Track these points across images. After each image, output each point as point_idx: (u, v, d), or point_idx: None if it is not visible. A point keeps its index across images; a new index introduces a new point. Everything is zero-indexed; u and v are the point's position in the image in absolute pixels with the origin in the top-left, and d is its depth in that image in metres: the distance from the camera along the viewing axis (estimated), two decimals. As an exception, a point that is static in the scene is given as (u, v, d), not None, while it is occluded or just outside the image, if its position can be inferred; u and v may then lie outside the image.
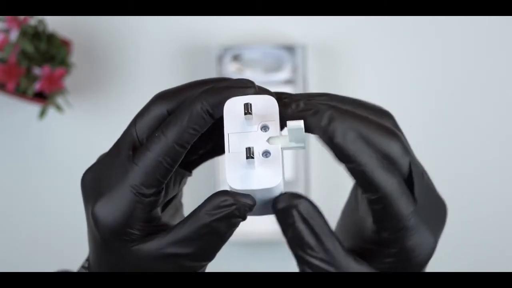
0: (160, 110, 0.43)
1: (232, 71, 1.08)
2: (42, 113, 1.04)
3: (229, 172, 0.41)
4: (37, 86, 1.00)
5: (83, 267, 0.47)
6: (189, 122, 0.41)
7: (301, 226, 0.41)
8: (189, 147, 0.41)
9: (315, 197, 1.07)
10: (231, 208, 0.41)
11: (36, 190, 1.10)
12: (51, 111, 1.07)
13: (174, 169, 0.42)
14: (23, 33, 0.99)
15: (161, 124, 0.42)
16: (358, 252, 0.43)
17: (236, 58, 1.09)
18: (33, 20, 1.02)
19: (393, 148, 0.42)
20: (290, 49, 1.09)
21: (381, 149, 0.42)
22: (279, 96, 0.43)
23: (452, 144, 1.11)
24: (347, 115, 0.41)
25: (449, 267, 1.09)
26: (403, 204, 0.41)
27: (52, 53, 1.03)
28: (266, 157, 0.41)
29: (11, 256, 1.11)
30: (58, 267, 1.10)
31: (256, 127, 0.42)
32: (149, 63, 1.11)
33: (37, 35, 1.01)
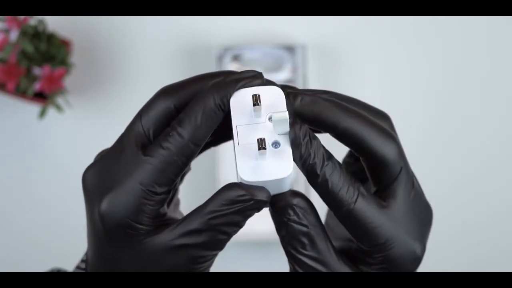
0: (166, 104, 0.42)
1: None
2: (42, 113, 1.04)
3: (240, 164, 0.41)
4: (37, 86, 1.00)
5: (78, 267, 0.47)
6: (202, 119, 0.40)
7: (295, 225, 0.41)
8: (203, 144, 0.41)
9: (315, 198, 1.07)
10: (248, 203, 0.40)
11: (36, 190, 1.10)
12: (51, 111, 1.07)
13: (187, 167, 0.42)
14: (23, 33, 0.99)
15: (173, 121, 0.41)
16: (348, 255, 0.43)
17: (236, 58, 1.09)
18: (33, 20, 1.02)
19: (389, 151, 0.42)
20: (290, 49, 1.09)
21: (377, 150, 0.41)
22: (283, 88, 0.42)
23: (452, 144, 1.11)
24: (349, 113, 0.41)
25: (449, 267, 1.09)
26: (370, 218, 0.41)
27: (52, 53, 1.03)
28: (276, 147, 0.41)
29: (10, 256, 1.11)
30: (57, 266, 1.10)
31: (264, 118, 0.41)
32: (149, 63, 1.10)
33: (37, 35, 1.01)
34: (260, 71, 0.42)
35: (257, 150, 0.40)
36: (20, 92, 1.02)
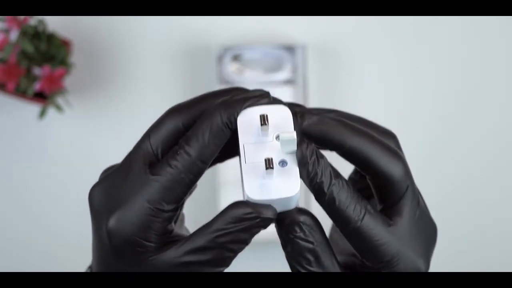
0: (175, 123, 0.43)
1: (232, 71, 1.08)
2: (42, 113, 1.04)
3: (247, 183, 0.41)
4: (37, 86, 1.00)
5: None
6: (210, 137, 0.41)
7: (301, 242, 0.42)
8: (211, 161, 0.42)
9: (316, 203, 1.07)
10: (255, 221, 0.41)
11: (36, 190, 1.10)
12: (51, 111, 1.07)
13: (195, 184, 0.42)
14: (23, 33, 0.99)
15: (180, 139, 0.42)
16: (352, 270, 0.44)
17: (236, 58, 1.09)
18: (33, 20, 1.02)
19: (395, 170, 0.42)
20: (290, 49, 1.09)
21: (383, 169, 0.42)
22: (290, 107, 0.43)
23: (453, 144, 1.11)
24: (355, 132, 0.42)
25: (449, 266, 1.09)
26: (376, 236, 0.42)
27: (52, 53, 1.03)
28: (283, 166, 0.41)
29: (10, 256, 1.11)
30: (56, 267, 1.10)
31: (271, 137, 0.42)
32: (149, 63, 1.10)
33: (37, 35, 1.01)
34: (267, 90, 0.43)
35: (264, 169, 0.41)
36: (20, 92, 1.02)
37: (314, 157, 0.41)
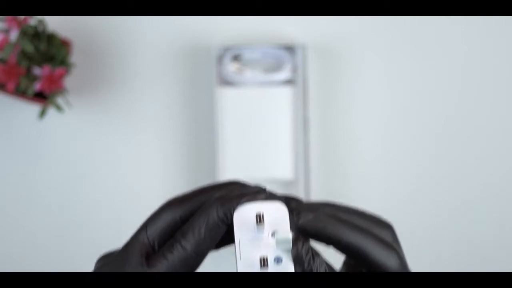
0: (172, 216, 0.44)
1: (232, 71, 1.08)
2: (42, 113, 1.04)
3: None
4: (37, 86, 1.00)
5: None
6: (206, 231, 0.42)
7: None
8: (207, 254, 0.43)
9: (315, 198, 1.07)
10: None
11: (36, 190, 1.10)
12: (51, 111, 1.07)
13: None
14: (23, 33, 0.99)
15: (177, 232, 0.43)
16: None
17: (236, 58, 1.09)
18: (33, 20, 1.02)
19: (391, 263, 0.43)
20: (290, 49, 1.09)
21: (379, 263, 0.43)
22: (286, 202, 0.44)
23: (455, 144, 1.11)
24: (351, 228, 0.43)
25: (449, 267, 1.09)
26: None
27: (52, 53, 1.03)
28: (278, 263, 0.42)
29: (11, 256, 1.11)
30: (57, 267, 1.10)
31: (267, 234, 0.43)
32: (149, 63, 1.10)
33: (37, 35, 1.01)
34: (264, 186, 0.44)
35: (259, 266, 0.42)
36: (20, 92, 1.02)
37: (309, 255, 0.42)
